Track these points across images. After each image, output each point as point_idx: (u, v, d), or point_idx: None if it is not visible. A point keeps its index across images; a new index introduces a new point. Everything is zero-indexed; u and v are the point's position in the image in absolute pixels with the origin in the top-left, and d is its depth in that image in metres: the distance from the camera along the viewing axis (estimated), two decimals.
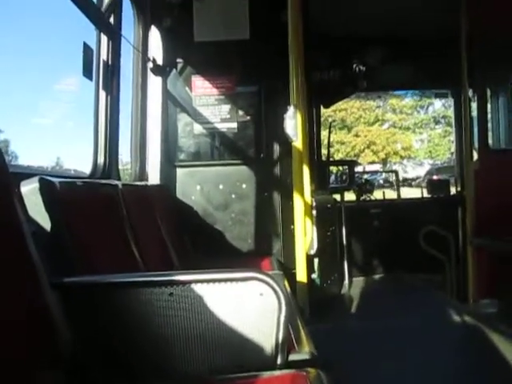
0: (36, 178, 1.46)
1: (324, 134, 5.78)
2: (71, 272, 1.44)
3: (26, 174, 1.55)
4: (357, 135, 29.57)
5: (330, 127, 6.01)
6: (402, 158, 30.52)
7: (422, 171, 27.39)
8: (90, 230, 1.68)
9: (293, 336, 1.57)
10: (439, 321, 3.34)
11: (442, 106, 27.79)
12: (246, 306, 1.34)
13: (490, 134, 4.20)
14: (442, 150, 29.27)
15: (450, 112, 3.67)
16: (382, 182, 19.48)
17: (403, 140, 30.29)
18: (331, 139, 5.32)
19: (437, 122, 30.35)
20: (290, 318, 1.45)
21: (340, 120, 29.08)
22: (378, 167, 28.81)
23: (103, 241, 1.79)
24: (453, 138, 5.31)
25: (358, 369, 2.50)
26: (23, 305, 1.14)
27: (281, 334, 1.32)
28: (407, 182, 23.38)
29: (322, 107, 5.13)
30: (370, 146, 29.41)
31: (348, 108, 28.46)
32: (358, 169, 24.25)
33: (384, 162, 29.79)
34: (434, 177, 16.87)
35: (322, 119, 5.42)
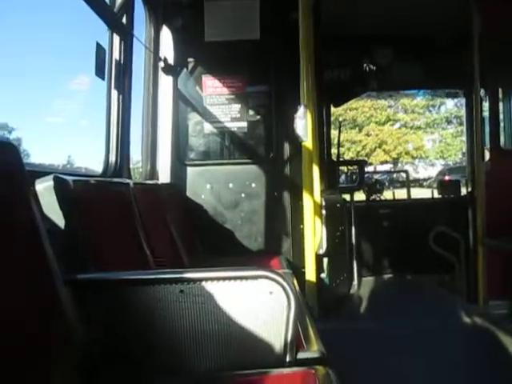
0: (50, 177, 1.48)
1: (334, 133, 5.77)
2: (84, 269, 1.46)
3: (41, 172, 1.58)
4: (368, 134, 29.39)
5: (340, 127, 6.02)
6: (413, 158, 30.29)
7: (433, 171, 27.16)
8: (103, 228, 1.71)
9: (302, 334, 1.58)
10: (449, 322, 3.33)
11: (454, 105, 27.48)
12: (256, 304, 1.35)
13: (501, 134, 4.16)
14: (453, 151, 28.98)
15: (463, 112, 3.63)
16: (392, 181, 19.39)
17: (414, 140, 30.06)
18: (342, 138, 5.32)
19: (449, 122, 29.99)
20: (299, 316, 1.46)
21: (351, 119, 28.94)
22: (389, 167, 28.64)
23: (115, 238, 1.82)
24: (465, 138, 5.27)
25: (366, 368, 2.51)
26: (37, 300, 1.16)
27: (290, 332, 1.34)
28: (418, 183, 23.20)
29: (331, 106, 5.12)
30: (381, 145, 29.24)
31: (359, 107, 28.30)
32: (369, 168, 24.21)
33: (395, 161, 29.58)
34: (446, 177, 16.71)
35: (332, 118, 5.41)
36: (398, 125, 30.51)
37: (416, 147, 30.05)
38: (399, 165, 29.41)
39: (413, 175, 27.77)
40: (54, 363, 1.15)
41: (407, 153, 29.76)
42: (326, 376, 1.26)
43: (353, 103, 25.42)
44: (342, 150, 5.64)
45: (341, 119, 26.39)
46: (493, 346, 2.89)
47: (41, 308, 1.16)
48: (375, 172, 19.81)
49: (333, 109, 5.34)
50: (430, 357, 2.70)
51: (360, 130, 29.62)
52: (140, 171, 3.54)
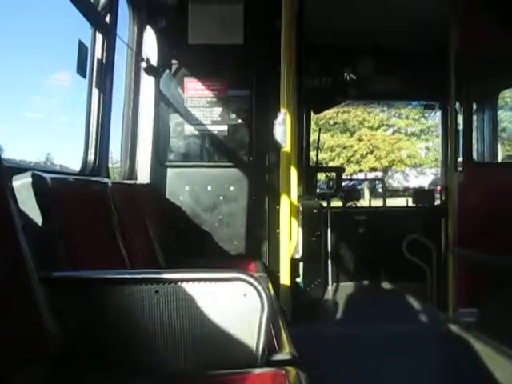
0: (28, 173, 1.48)
1: (324, 136, 5.83)
2: (59, 267, 1.46)
3: (19, 168, 1.57)
4: (360, 139, 28.19)
5: (319, 133, 6.10)
6: (406, 166, 29.35)
7: (424, 181, 26.70)
8: (79, 226, 1.70)
9: (274, 337, 1.61)
10: (419, 328, 3.41)
11: None
12: (230, 305, 1.37)
13: (474, 147, 4.29)
14: None
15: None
16: (380, 190, 19.33)
17: (408, 147, 28.98)
18: (333, 143, 5.39)
19: None
20: (272, 319, 1.49)
21: (342, 122, 28.16)
22: (377, 174, 28.03)
23: (91, 237, 1.82)
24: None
25: (336, 371, 2.55)
26: (11, 297, 1.16)
27: (262, 333, 1.36)
28: (408, 192, 22.86)
29: (312, 113, 5.19)
30: (373, 151, 28.18)
31: (351, 110, 27.41)
32: (360, 175, 23.97)
33: (385, 169, 28.73)
34: (438, 187, 16.73)
35: (322, 121, 5.49)
36: (391, 130, 29.62)
37: (410, 155, 29.14)
38: (389, 173, 28.78)
39: (404, 184, 27.54)
40: (27, 360, 1.15)
41: (400, 160, 28.46)
42: (296, 377, 1.29)
43: (345, 106, 24.68)
44: (332, 155, 5.71)
45: (332, 122, 26.00)
46: (460, 353, 2.97)
47: (15, 304, 1.16)
48: (366, 179, 19.75)
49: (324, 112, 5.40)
50: (399, 361, 2.77)
51: (352, 135, 28.72)
52: (118, 171, 3.52)
